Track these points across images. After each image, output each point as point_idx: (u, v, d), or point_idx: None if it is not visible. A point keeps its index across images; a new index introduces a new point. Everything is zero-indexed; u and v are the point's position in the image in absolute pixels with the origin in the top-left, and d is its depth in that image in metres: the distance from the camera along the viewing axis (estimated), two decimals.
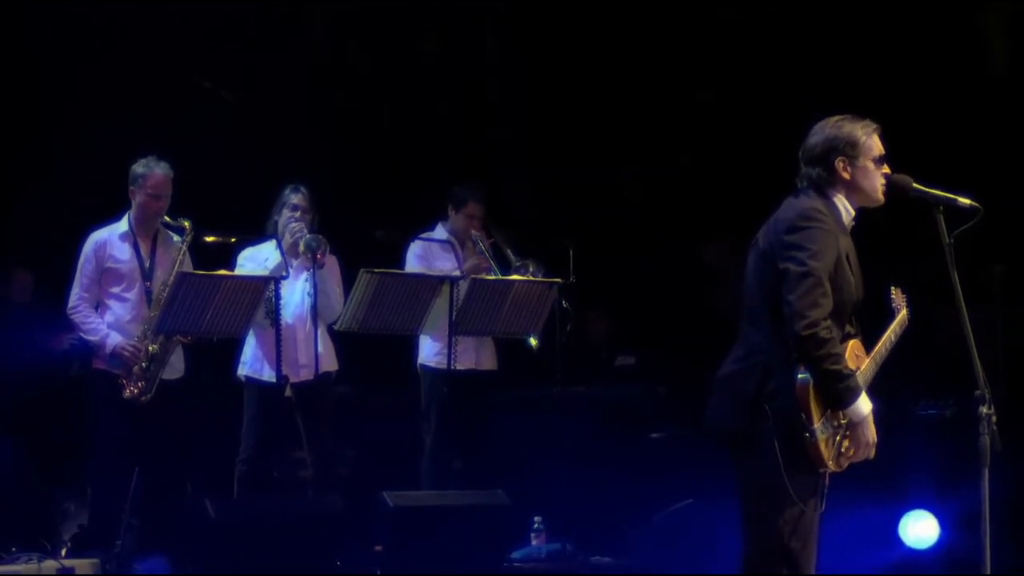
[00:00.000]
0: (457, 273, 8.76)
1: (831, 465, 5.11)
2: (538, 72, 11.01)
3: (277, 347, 8.17)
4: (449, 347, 8.65)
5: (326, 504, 7.95)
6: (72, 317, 8.19)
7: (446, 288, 8.54)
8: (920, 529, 8.46)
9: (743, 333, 5.23)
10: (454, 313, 8.52)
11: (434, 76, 11.23)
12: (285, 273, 8.30)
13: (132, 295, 8.14)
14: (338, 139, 10.89)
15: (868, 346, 5.39)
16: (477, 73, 11.18)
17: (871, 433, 5.15)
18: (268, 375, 8.34)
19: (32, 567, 7.82)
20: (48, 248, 9.68)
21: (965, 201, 5.30)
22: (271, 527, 7.60)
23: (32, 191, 10.08)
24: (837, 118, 5.27)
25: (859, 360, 5.27)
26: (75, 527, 9.03)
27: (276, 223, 8.47)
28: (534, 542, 8.94)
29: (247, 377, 8.50)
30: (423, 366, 9.03)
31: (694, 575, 7.90)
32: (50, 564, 7.83)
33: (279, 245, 8.38)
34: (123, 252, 8.16)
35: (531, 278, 8.81)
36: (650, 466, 9.21)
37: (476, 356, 9.03)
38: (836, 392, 5.05)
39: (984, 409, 5.16)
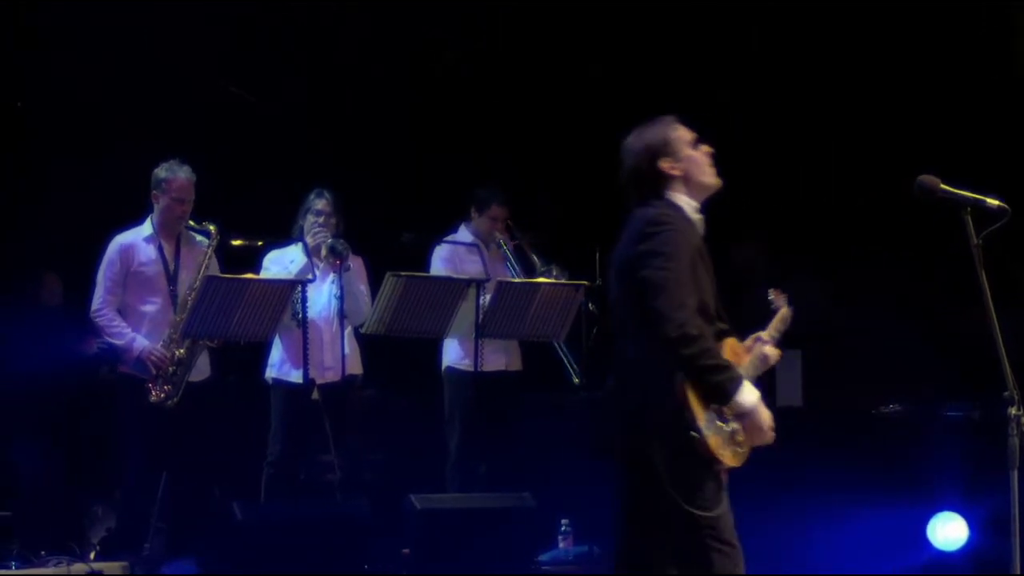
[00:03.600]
0: (483, 275, 8.76)
1: (728, 460, 4.97)
2: (558, 75, 10.98)
3: (304, 349, 8.18)
4: (476, 350, 8.64)
5: (353, 507, 7.96)
6: (96, 320, 8.16)
7: (472, 291, 8.54)
8: (949, 531, 8.43)
9: (618, 350, 5.11)
10: (480, 316, 8.52)
11: (456, 79, 11.23)
12: (312, 276, 8.32)
13: (157, 299, 8.13)
14: (365, 142, 10.90)
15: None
16: (496, 76, 11.16)
17: (764, 418, 5.00)
18: (295, 377, 8.36)
19: (61, 570, 7.85)
20: (77, 253, 9.71)
21: (993, 202, 5.27)
22: (298, 530, 7.61)
23: (61, 196, 10.10)
24: (632, 135, 5.25)
25: (739, 358, 5.17)
26: (103, 530, 9.06)
27: (301, 227, 8.50)
28: (561, 545, 8.94)
29: (274, 379, 8.52)
30: (449, 369, 9.02)
31: None
32: (79, 567, 7.86)
33: (305, 248, 8.41)
34: (148, 256, 8.15)
35: (557, 280, 8.80)
36: None
37: (506, 357, 9.02)
38: (717, 385, 4.90)
39: (1013, 410, 5.12)
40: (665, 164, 5.17)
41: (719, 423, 4.94)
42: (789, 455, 8.91)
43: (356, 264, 8.48)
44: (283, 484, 8.38)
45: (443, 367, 9.06)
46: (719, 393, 4.92)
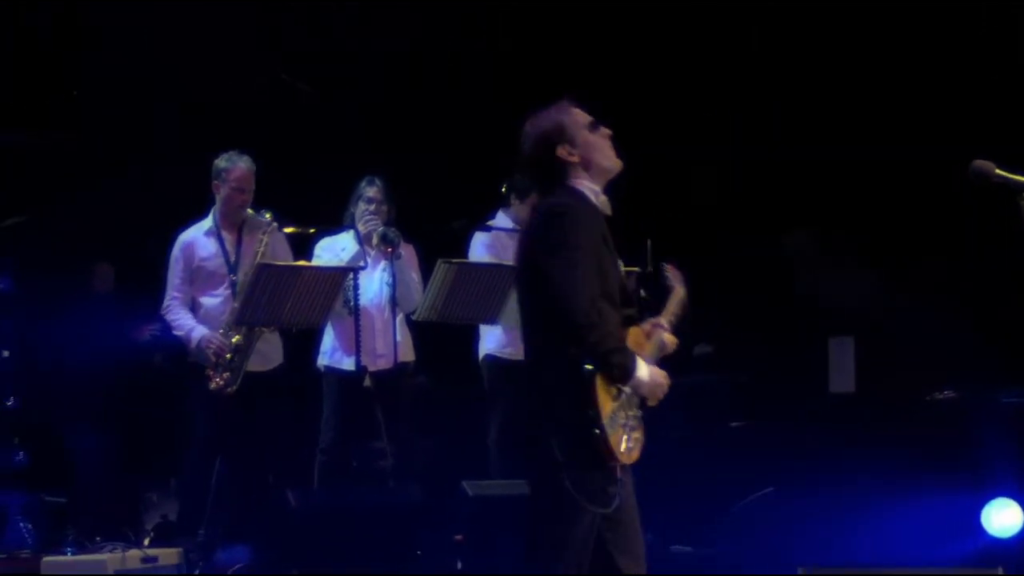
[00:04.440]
0: None
1: (622, 458, 4.91)
2: (606, 59, 10.96)
3: (356, 337, 8.20)
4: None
5: (405, 494, 7.97)
6: (165, 317, 8.25)
7: None
8: (1004, 518, 8.39)
9: (526, 343, 5.06)
10: None
11: (506, 66, 11.23)
12: (363, 263, 8.34)
13: (221, 290, 8.19)
14: (417, 130, 10.91)
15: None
16: (546, 62, 11.15)
17: (658, 376, 4.99)
18: (347, 364, 8.38)
19: (117, 556, 7.89)
20: (128, 240, 9.78)
21: None
22: (351, 517, 7.63)
23: (112, 184, 10.17)
24: (527, 123, 5.12)
25: (641, 347, 5.09)
26: (158, 516, 9.12)
27: (352, 215, 8.52)
28: None
29: (327, 367, 8.54)
30: (489, 356, 8.96)
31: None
32: (134, 553, 7.90)
33: (357, 235, 8.43)
34: (209, 250, 8.20)
35: None
36: (729, 455, 9.18)
37: None
38: (618, 365, 4.84)
39: None
40: (563, 151, 5.06)
41: (620, 422, 4.90)
42: (842, 441, 8.92)
43: (407, 251, 8.49)
44: (336, 471, 8.40)
45: (481, 355, 9.01)
46: (622, 373, 4.87)
